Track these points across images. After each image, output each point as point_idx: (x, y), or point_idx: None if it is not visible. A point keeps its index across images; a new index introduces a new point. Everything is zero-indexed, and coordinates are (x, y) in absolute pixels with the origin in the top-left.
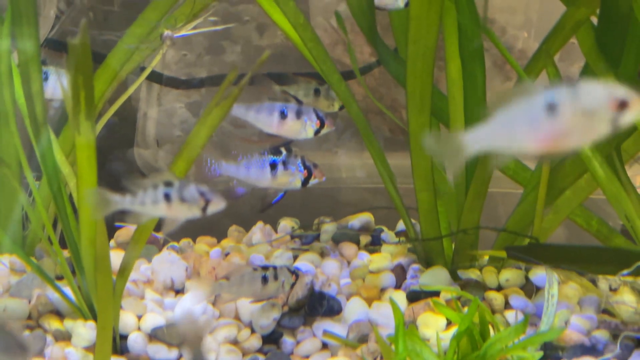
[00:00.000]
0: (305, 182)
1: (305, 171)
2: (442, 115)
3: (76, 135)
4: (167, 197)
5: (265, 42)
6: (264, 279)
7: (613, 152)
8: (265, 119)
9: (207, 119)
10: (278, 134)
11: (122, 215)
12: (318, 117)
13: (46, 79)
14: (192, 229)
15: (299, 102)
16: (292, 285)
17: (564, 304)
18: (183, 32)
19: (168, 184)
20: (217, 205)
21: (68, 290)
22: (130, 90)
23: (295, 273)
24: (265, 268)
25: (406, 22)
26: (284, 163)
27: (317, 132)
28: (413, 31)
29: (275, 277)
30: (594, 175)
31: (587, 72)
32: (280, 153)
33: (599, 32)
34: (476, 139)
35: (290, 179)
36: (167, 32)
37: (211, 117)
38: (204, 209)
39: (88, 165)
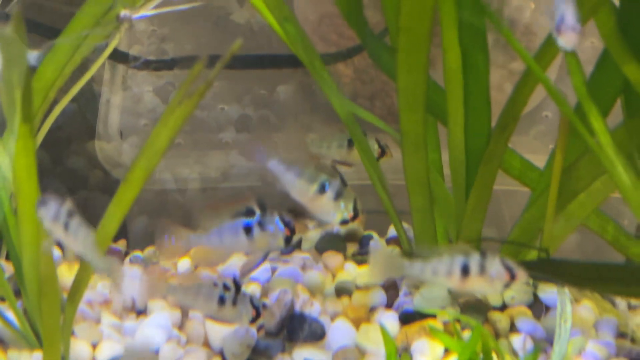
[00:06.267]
0: (288, 240)
1: (287, 230)
2: (438, 110)
3: (12, 139)
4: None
5: (245, 15)
6: (221, 300)
7: (634, 151)
8: (302, 187)
9: (169, 119)
10: (305, 206)
11: None
12: (355, 208)
13: None
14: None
15: (344, 182)
16: (252, 321)
17: (578, 328)
18: (143, 12)
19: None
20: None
21: (12, 314)
22: (86, 77)
23: (257, 308)
24: (226, 288)
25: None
26: (260, 224)
27: (344, 222)
28: (404, 20)
29: (234, 303)
30: (617, 181)
31: (606, 59)
32: (253, 213)
33: (621, 15)
34: None
35: (270, 240)
36: (124, 12)
37: (174, 117)
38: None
39: (27, 175)
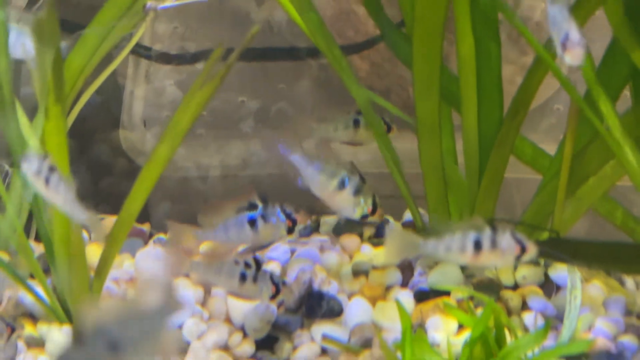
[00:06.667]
0: (290, 230)
1: (289, 221)
2: (452, 98)
3: (45, 120)
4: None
5: (264, 14)
6: (242, 277)
7: None
8: (322, 183)
9: (190, 102)
10: (324, 201)
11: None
12: (374, 203)
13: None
14: (181, 219)
15: (363, 178)
16: (272, 297)
17: (588, 306)
18: (168, 3)
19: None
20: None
21: (42, 291)
22: (111, 67)
23: (277, 285)
24: (247, 265)
25: None
26: (263, 216)
27: (364, 217)
28: (419, 9)
29: (255, 280)
30: (625, 163)
31: (615, 48)
32: (256, 207)
33: (629, 3)
34: None
35: (273, 231)
36: (150, 3)
37: (195, 100)
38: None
39: (59, 154)
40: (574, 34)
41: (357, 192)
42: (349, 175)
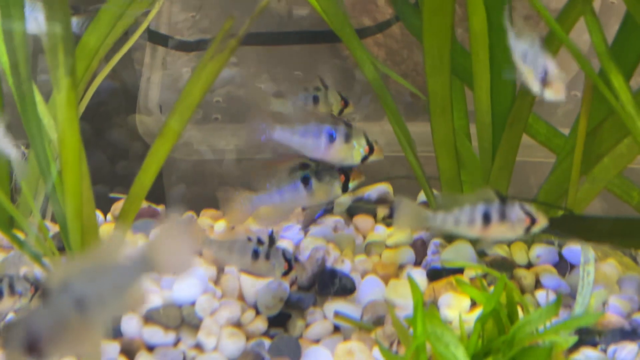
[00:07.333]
0: (345, 187)
1: (342, 176)
2: (464, 74)
3: (55, 92)
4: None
5: (282, 4)
6: (255, 253)
7: None
8: (313, 144)
9: (201, 73)
10: (325, 159)
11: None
12: (368, 142)
13: None
14: (196, 201)
15: (348, 123)
16: (285, 274)
17: (602, 283)
18: None
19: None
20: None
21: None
22: (130, 43)
23: (290, 261)
24: (260, 242)
25: None
26: (317, 175)
27: (365, 159)
28: None
29: (267, 257)
30: (639, 138)
31: (629, 24)
32: (308, 167)
33: None
34: None
35: (328, 189)
36: None
37: (206, 71)
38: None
39: (70, 127)
40: (552, 67)
41: (348, 138)
42: (333, 126)
